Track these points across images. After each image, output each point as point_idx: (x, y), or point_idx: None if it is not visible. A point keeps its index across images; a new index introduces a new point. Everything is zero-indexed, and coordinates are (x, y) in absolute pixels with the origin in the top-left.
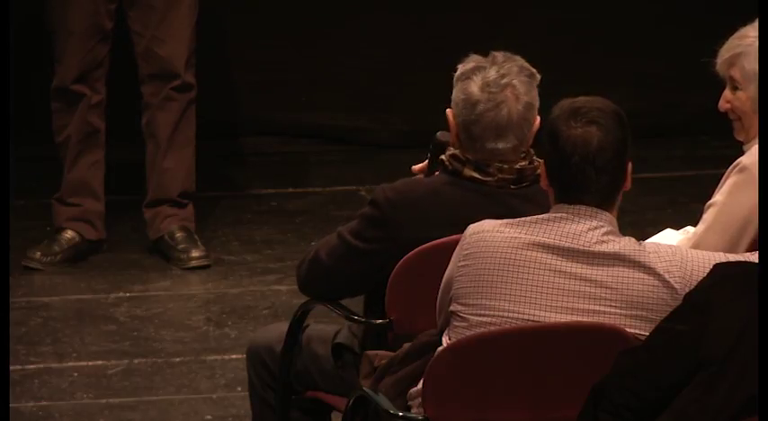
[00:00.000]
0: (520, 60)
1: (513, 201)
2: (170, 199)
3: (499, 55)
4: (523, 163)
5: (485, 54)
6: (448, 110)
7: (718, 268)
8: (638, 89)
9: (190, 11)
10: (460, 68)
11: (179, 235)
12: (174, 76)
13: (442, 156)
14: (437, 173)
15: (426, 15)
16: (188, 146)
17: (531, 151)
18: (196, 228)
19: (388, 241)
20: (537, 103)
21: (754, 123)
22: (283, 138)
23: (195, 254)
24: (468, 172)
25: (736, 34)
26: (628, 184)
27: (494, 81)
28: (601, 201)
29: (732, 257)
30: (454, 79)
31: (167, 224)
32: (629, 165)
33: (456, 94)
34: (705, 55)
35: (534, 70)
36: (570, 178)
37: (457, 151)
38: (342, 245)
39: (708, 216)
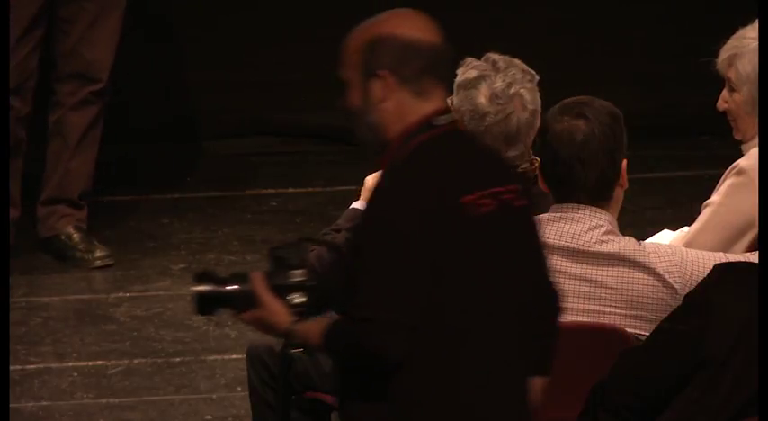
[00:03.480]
0: (519, 63)
1: None
2: (69, 199)
3: (498, 60)
4: (525, 165)
5: (479, 56)
6: None
7: (719, 268)
8: (638, 89)
9: (119, 23)
10: (461, 75)
11: (76, 236)
12: (96, 79)
13: None
14: None
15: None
16: (95, 147)
17: (530, 151)
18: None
19: None
20: (540, 108)
21: (748, 125)
22: (283, 139)
23: (99, 254)
24: None
25: (736, 34)
26: (623, 183)
27: (502, 92)
28: (592, 197)
29: (732, 257)
30: (455, 85)
31: (63, 224)
32: (624, 163)
33: (461, 103)
34: (705, 55)
35: (533, 72)
36: (560, 174)
37: None
38: None
39: (702, 216)
